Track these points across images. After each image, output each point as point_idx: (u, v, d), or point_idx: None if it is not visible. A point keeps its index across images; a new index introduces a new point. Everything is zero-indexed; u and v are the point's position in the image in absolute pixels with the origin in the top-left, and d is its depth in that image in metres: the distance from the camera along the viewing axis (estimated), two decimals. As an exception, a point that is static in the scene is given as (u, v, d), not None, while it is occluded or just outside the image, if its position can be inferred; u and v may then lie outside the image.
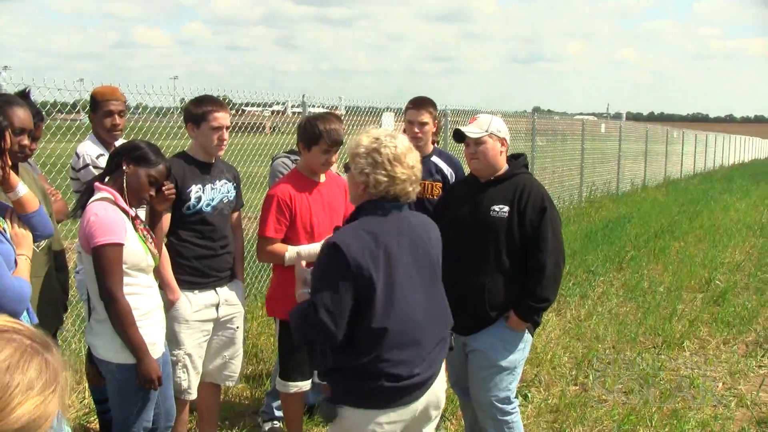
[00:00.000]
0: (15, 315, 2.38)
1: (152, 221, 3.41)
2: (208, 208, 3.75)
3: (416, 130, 4.38)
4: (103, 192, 3.09)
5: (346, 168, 2.80)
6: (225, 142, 3.78)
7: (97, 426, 4.36)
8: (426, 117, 4.41)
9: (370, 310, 2.57)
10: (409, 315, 2.65)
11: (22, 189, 2.74)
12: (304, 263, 2.98)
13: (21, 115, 2.79)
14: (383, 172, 2.64)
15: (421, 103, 4.47)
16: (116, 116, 4.04)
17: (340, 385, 2.67)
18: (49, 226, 2.92)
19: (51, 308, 3.28)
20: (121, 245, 2.98)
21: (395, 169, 2.64)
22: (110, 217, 3.00)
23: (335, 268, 2.55)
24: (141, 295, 3.09)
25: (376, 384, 2.60)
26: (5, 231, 2.59)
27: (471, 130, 3.60)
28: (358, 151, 2.69)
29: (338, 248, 2.55)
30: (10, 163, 2.69)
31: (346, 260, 2.53)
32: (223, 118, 3.72)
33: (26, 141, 2.86)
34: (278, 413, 4.46)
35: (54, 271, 3.36)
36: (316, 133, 3.73)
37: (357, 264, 2.54)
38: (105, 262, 2.96)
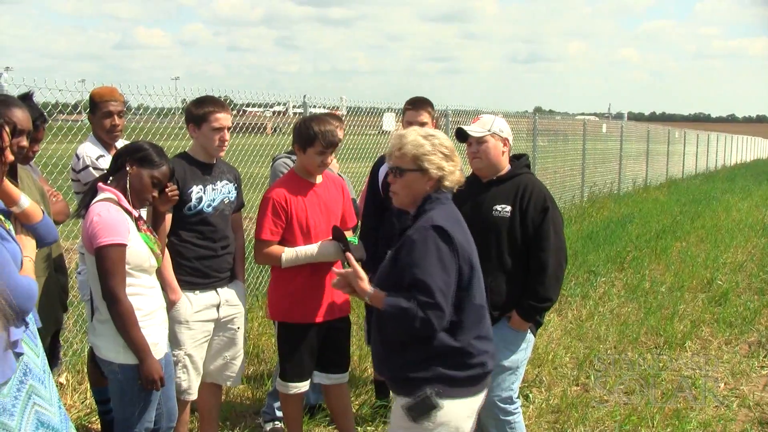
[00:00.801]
0: (24, 312, 2.38)
1: (155, 222, 3.41)
2: (209, 209, 3.75)
3: None
4: (107, 192, 3.10)
5: (398, 170, 2.78)
6: (226, 143, 3.78)
7: (99, 426, 4.36)
8: (425, 117, 4.40)
9: (472, 287, 2.67)
10: (485, 292, 2.82)
11: (25, 201, 2.71)
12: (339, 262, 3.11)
13: (19, 115, 2.76)
14: (452, 163, 2.79)
15: (419, 104, 4.46)
16: (115, 117, 4.02)
17: (435, 375, 2.66)
18: (54, 232, 2.91)
19: (51, 309, 3.28)
20: (124, 246, 2.99)
21: (457, 161, 2.82)
22: (113, 217, 3.00)
23: (443, 250, 2.61)
24: (143, 296, 3.09)
25: (473, 361, 2.69)
26: (11, 230, 2.58)
27: (473, 129, 3.60)
28: (424, 150, 2.75)
29: (444, 230, 2.63)
30: (11, 158, 2.65)
31: (453, 241, 2.62)
32: (224, 118, 3.72)
33: (25, 142, 2.84)
34: (279, 413, 4.45)
35: (54, 273, 3.36)
36: (311, 135, 3.73)
37: (460, 243, 2.64)
38: (108, 262, 2.96)
